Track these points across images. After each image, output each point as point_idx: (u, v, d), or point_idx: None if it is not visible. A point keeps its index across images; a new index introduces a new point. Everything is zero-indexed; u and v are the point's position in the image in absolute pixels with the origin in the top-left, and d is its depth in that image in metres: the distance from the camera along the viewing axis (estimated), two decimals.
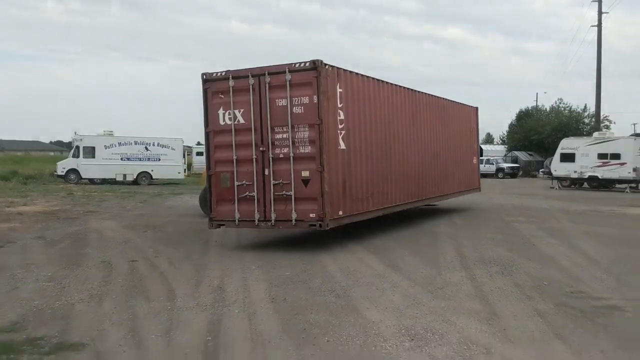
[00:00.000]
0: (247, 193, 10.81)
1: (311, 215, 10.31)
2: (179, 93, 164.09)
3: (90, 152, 33.44)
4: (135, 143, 34.48)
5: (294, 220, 10.46)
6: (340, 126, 10.83)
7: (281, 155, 10.53)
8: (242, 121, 10.84)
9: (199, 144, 58.43)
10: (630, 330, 5.92)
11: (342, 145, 10.90)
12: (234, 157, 10.88)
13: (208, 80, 11.13)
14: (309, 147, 10.33)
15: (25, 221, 15.43)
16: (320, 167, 10.21)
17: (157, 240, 12.23)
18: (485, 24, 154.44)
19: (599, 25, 40.16)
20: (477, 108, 20.26)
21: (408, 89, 14.29)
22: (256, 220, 10.76)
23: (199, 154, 50.11)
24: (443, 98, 17.06)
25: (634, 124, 67.84)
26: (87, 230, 13.74)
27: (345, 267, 9.12)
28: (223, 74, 10.98)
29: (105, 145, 33.74)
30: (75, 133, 35.36)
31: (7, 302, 7.10)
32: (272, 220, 10.61)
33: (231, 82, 10.83)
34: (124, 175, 34.04)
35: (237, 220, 10.98)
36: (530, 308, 6.65)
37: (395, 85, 13.62)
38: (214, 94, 11.10)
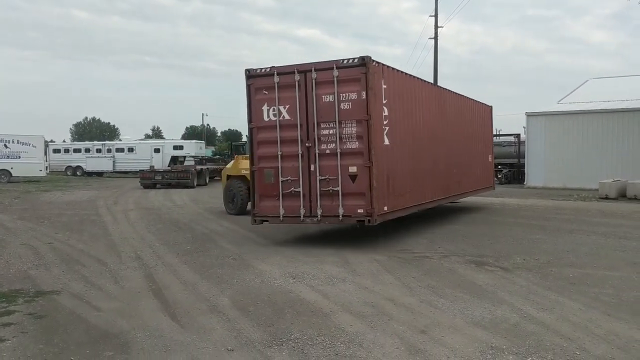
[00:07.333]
0: (292, 189, 10.84)
1: (359, 210, 10.38)
2: (23, 85, 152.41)
3: None
4: None
5: (341, 216, 10.52)
6: (384, 122, 10.95)
7: (327, 151, 10.59)
8: (287, 117, 10.86)
9: (52, 141, 56.51)
10: (431, 267, 9.02)
11: (386, 141, 11.01)
12: (279, 153, 10.94)
13: (251, 77, 11.18)
14: (357, 143, 10.39)
15: None
16: (368, 162, 10.26)
17: (58, 228, 13.69)
18: (337, 25, 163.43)
19: (435, 38, 45.58)
20: (491, 107, 19.97)
21: (435, 85, 14.20)
22: (302, 216, 10.82)
23: (56, 151, 48.93)
24: (462, 95, 16.75)
25: None
26: None
27: (235, 242, 11.56)
28: (268, 70, 11.03)
29: None
30: None
31: None
32: (318, 216, 10.66)
33: (276, 79, 10.87)
34: None
35: (281, 216, 11.00)
36: (372, 259, 9.62)
37: (426, 81, 13.55)
38: (257, 90, 11.13)
